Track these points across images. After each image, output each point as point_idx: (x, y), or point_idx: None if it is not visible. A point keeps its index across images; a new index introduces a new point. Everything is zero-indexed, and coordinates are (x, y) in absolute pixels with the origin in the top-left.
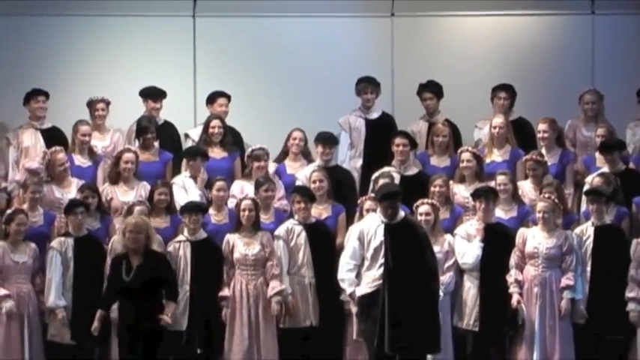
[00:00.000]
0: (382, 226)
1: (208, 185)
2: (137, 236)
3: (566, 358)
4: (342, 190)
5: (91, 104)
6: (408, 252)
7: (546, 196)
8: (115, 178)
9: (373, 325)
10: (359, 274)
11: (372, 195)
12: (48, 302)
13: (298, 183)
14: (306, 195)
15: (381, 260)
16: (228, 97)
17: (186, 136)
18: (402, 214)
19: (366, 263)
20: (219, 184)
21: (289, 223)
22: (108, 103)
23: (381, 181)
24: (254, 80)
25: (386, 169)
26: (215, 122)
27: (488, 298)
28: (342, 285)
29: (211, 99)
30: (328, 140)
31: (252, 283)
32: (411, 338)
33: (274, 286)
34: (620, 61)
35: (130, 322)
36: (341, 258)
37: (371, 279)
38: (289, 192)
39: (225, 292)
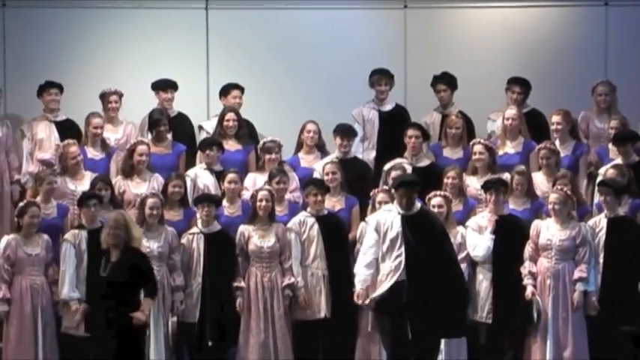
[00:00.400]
0: (399, 218)
1: (220, 178)
2: (116, 232)
3: (579, 351)
4: (361, 182)
5: (104, 97)
6: (427, 242)
7: (558, 187)
8: (128, 170)
9: (389, 316)
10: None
11: (385, 187)
12: (62, 294)
13: (316, 175)
14: (322, 188)
15: (397, 252)
16: (242, 90)
17: (200, 128)
18: (418, 205)
19: (380, 254)
20: (230, 176)
21: (301, 216)
22: (121, 95)
23: (393, 173)
24: (267, 72)
25: (398, 160)
26: (230, 115)
27: (502, 290)
28: (355, 279)
29: (225, 91)
30: (347, 132)
31: (267, 275)
32: (435, 325)
33: (284, 280)
34: (633, 52)
35: (103, 319)
36: (360, 250)
37: (386, 271)
38: (304, 184)
39: (240, 282)
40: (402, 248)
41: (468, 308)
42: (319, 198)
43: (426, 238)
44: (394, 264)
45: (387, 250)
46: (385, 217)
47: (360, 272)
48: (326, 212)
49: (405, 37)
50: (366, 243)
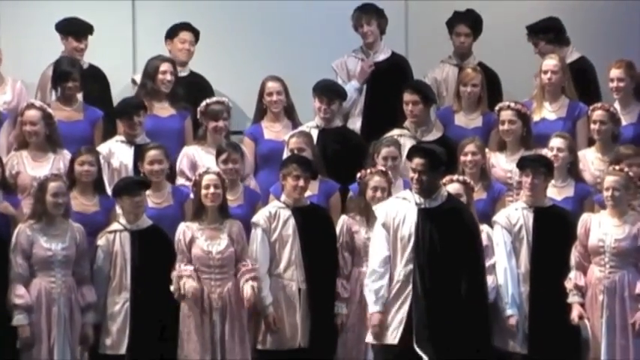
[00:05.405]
0: (415, 210)
1: (140, 156)
2: None
3: None
4: (350, 159)
5: None
6: (447, 245)
7: (617, 168)
8: (24, 145)
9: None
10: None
11: (380, 168)
12: None
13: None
14: (308, 169)
15: (408, 256)
16: (194, 32)
17: (134, 82)
18: (444, 193)
19: (391, 256)
20: (151, 153)
21: (273, 207)
22: None
23: (384, 151)
24: (222, 17)
25: (391, 133)
26: (166, 66)
27: (540, 309)
28: (367, 297)
29: (172, 33)
30: (328, 91)
31: (216, 290)
32: (455, 351)
33: (241, 268)
34: None
35: None
36: (369, 255)
37: (393, 282)
38: (272, 163)
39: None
40: (414, 252)
41: (490, 331)
42: (301, 183)
43: (446, 240)
44: (403, 272)
45: (398, 252)
46: (397, 209)
47: (375, 288)
48: (307, 203)
49: None
50: (374, 245)
